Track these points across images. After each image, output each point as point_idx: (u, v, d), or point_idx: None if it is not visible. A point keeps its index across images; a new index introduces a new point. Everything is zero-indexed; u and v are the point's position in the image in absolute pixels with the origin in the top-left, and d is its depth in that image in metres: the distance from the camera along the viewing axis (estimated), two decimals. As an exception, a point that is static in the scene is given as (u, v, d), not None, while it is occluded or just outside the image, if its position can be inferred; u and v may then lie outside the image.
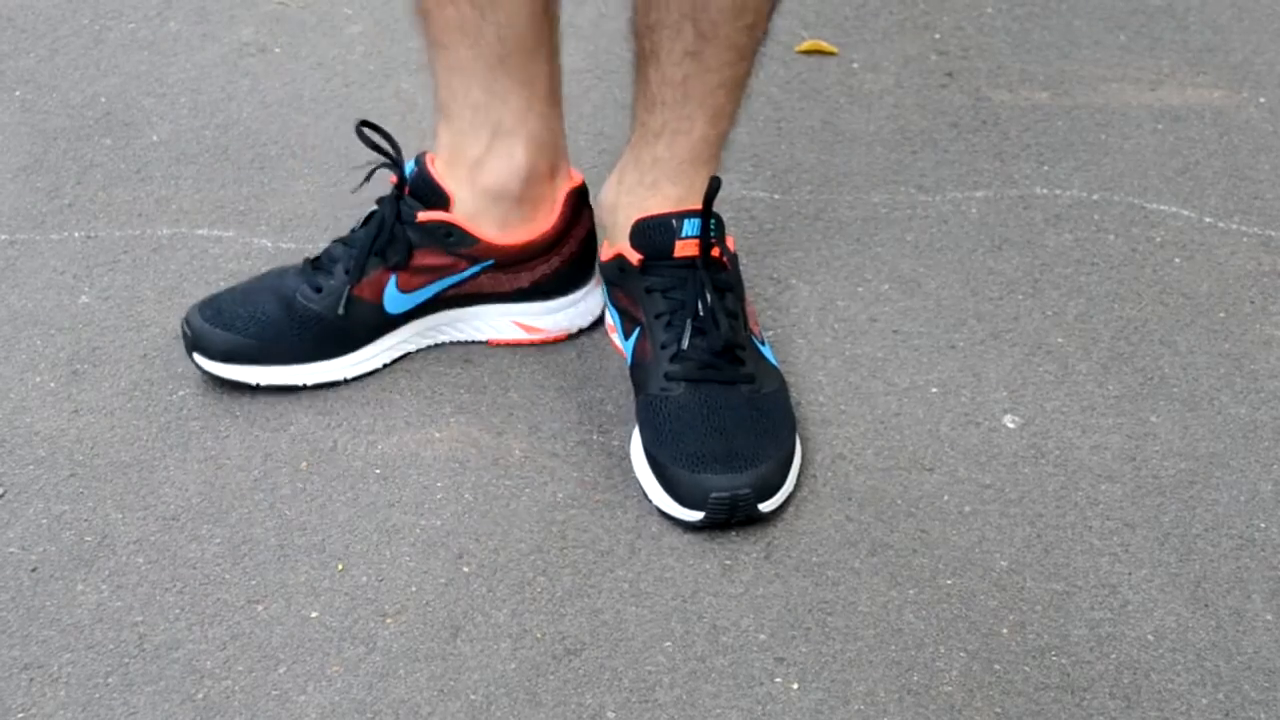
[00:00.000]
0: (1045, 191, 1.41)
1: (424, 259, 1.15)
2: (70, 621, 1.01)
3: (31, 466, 1.12)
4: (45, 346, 1.22)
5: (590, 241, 1.22)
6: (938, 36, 1.63)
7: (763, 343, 1.15)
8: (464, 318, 1.21)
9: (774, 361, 1.14)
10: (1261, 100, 1.53)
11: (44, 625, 1.01)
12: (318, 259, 1.18)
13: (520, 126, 1.14)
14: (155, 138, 1.47)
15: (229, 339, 1.14)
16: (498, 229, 1.16)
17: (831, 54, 1.60)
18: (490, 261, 1.17)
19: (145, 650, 0.99)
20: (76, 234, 1.34)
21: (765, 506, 1.05)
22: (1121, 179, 1.42)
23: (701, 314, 1.09)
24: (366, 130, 1.14)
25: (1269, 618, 1.02)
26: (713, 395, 1.08)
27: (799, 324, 1.25)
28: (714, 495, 1.03)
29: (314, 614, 1.01)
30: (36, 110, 1.50)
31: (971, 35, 1.64)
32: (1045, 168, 1.44)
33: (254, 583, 1.03)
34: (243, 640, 1.00)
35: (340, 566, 1.05)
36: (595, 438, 1.15)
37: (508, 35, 1.10)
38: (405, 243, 1.15)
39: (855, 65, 1.58)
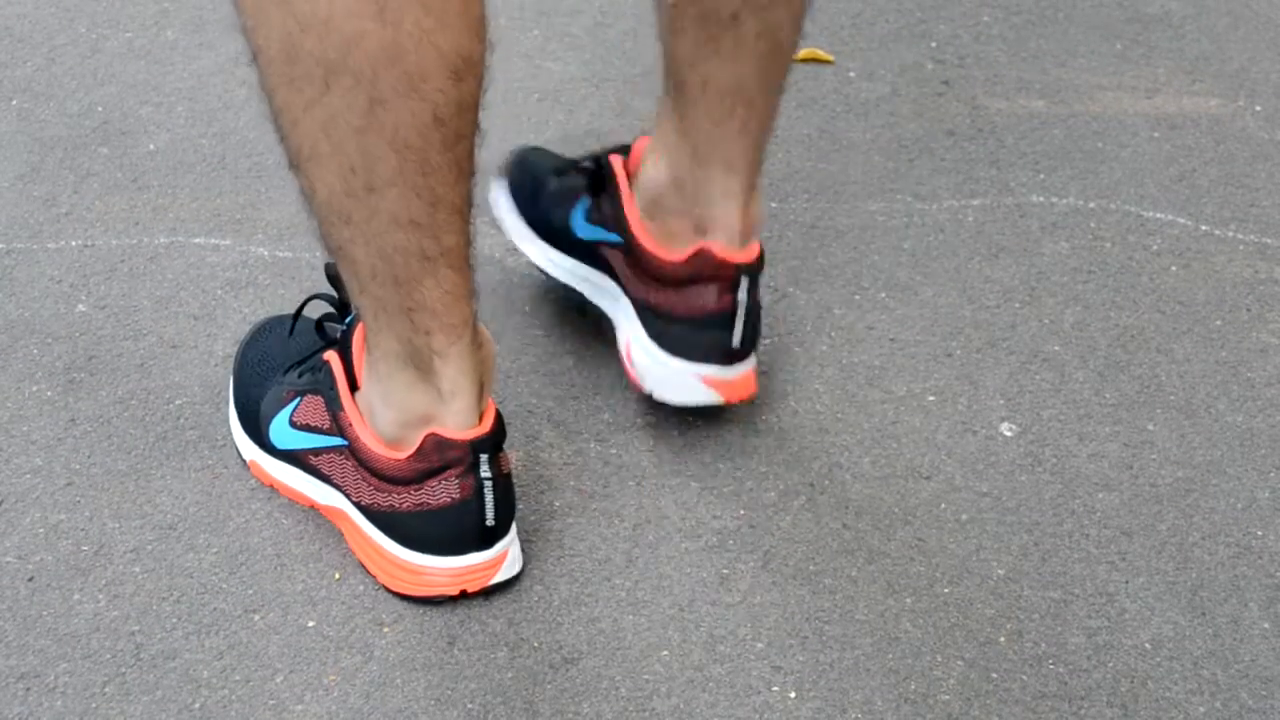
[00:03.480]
0: (1042, 199, 1.41)
1: None
2: (67, 631, 1.01)
3: (28, 475, 1.12)
4: (42, 355, 1.22)
5: None
6: (934, 45, 1.64)
7: None
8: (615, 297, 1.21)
9: None
10: (1257, 108, 1.53)
11: (40, 634, 1.00)
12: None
13: None
14: (152, 146, 1.47)
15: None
16: None
17: (828, 62, 1.60)
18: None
19: (142, 659, 0.99)
20: (73, 243, 1.34)
21: None
22: (1118, 187, 1.42)
23: None
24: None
25: (1266, 626, 1.02)
26: None
27: (795, 332, 1.25)
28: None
29: (311, 623, 1.01)
30: (33, 119, 1.50)
31: (968, 44, 1.64)
32: (1042, 176, 1.44)
33: (251, 592, 1.03)
34: (240, 649, 0.99)
35: (337, 575, 1.05)
36: (593, 446, 1.15)
37: None
38: None
39: (852, 74, 1.58)
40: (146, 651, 0.99)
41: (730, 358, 1.11)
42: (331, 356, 1.05)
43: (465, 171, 0.93)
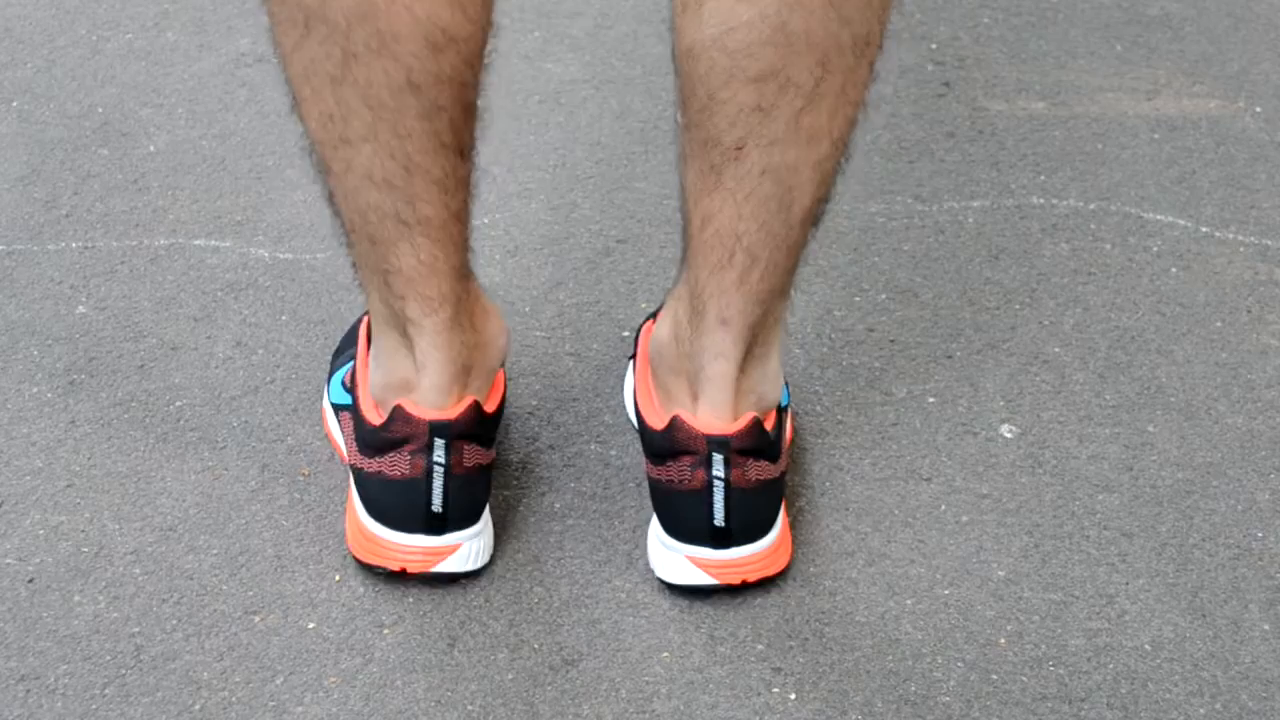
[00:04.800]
0: (1042, 201, 1.41)
1: None
2: (67, 632, 1.01)
3: (28, 477, 1.12)
4: (42, 357, 1.22)
5: None
6: (934, 46, 1.64)
7: None
8: None
9: None
10: (1258, 110, 1.53)
11: (41, 636, 1.00)
12: None
13: None
14: (152, 148, 1.47)
15: None
16: None
17: (828, 64, 1.60)
18: None
19: (142, 661, 0.99)
20: (74, 244, 1.34)
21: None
22: (1118, 188, 1.42)
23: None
24: None
25: (1266, 627, 1.02)
26: None
27: (796, 334, 1.25)
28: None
29: (311, 625, 1.01)
30: (34, 121, 1.50)
31: (968, 45, 1.64)
32: (1042, 177, 1.44)
33: (251, 593, 1.03)
34: (240, 651, 0.99)
35: (337, 577, 1.05)
36: (593, 448, 1.15)
37: None
38: None
39: (852, 75, 1.58)
40: (147, 653, 0.99)
41: (718, 539, 1.00)
42: (366, 319, 1.08)
43: (448, 145, 0.92)
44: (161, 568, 1.05)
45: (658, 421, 1.02)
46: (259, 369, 1.21)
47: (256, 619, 1.02)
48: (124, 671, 0.98)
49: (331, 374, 1.15)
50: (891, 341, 1.25)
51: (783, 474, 1.04)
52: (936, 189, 1.42)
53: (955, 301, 1.29)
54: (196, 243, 1.35)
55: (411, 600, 1.03)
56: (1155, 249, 1.35)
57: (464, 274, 0.99)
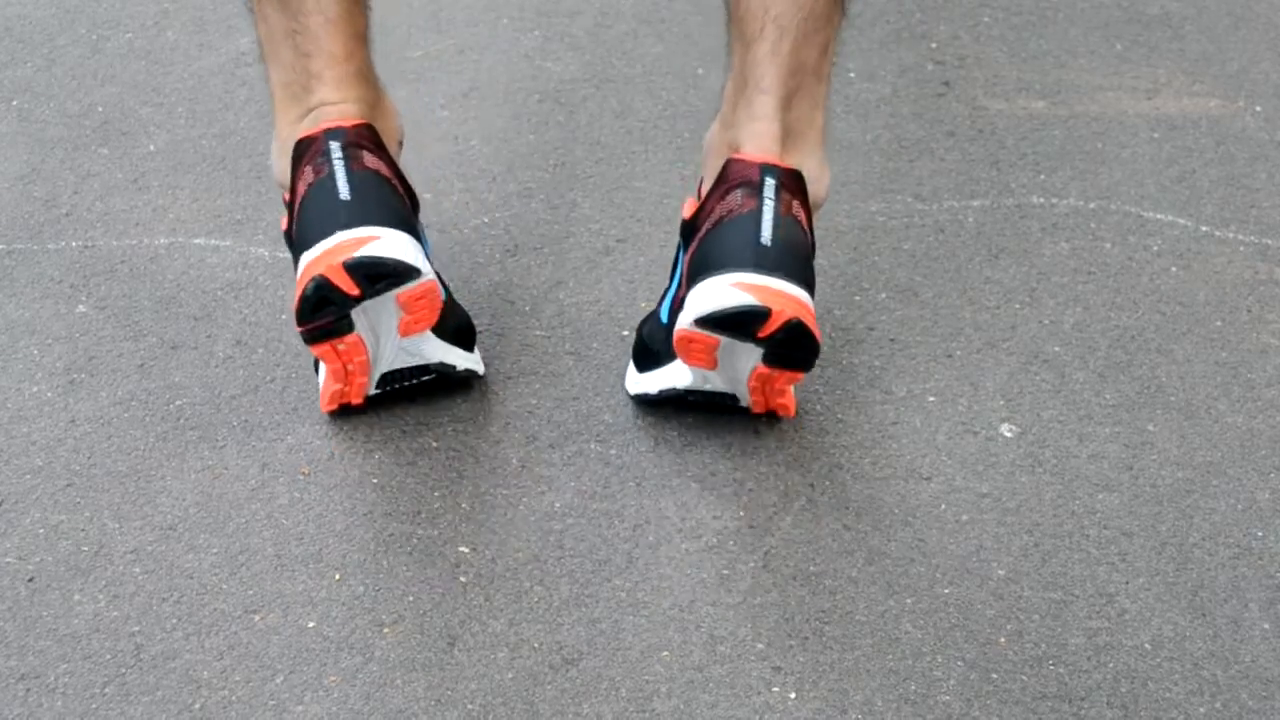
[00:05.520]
0: (1042, 200, 1.41)
1: None
2: (67, 631, 1.01)
3: (28, 476, 1.12)
4: (42, 356, 1.22)
5: None
6: (934, 46, 1.64)
7: None
8: None
9: None
10: (1258, 109, 1.53)
11: (41, 635, 1.00)
12: None
13: None
14: (152, 147, 1.47)
15: None
16: None
17: (828, 63, 1.60)
18: None
19: (142, 660, 0.99)
20: (74, 243, 1.34)
21: None
22: (1118, 188, 1.42)
23: None
24: None
25: (1266, 626, 1.02)
26: None
27: (796, 333, 1.25)
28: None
29: (311, 624, 1.01)
30: (34, 119, 1.50)
31: (968, 44, 1.64)
32: (1042, 177, 1.44)
33: (251, 592, 1.03)
34: (240, 650, 0.99)
35: (337, 576, 1.05)
36: (593, 447, 1.15)
37: None
38: None
39: (852, 74, 1.58)
40: (147, 652, 0.99)
41: (761, 260, 1.02)
42: None
43: None
44: (161, 566, 1.05)
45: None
46: (259, 368, 1.21)
47: (256, 618, 1.02)
48: (124, 670, 0.98)
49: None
50: (892, 340, 1.25)
51: (813, 264, 1.06)
52: (936, 188, 1.42)
53: (955, 300, 1.29)
54: (196, 242, 1.35)
55: (411, 599, 1.03)
56: (1155, 248, 1.35)
57: (363, 40, 1.10)
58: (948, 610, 1.03)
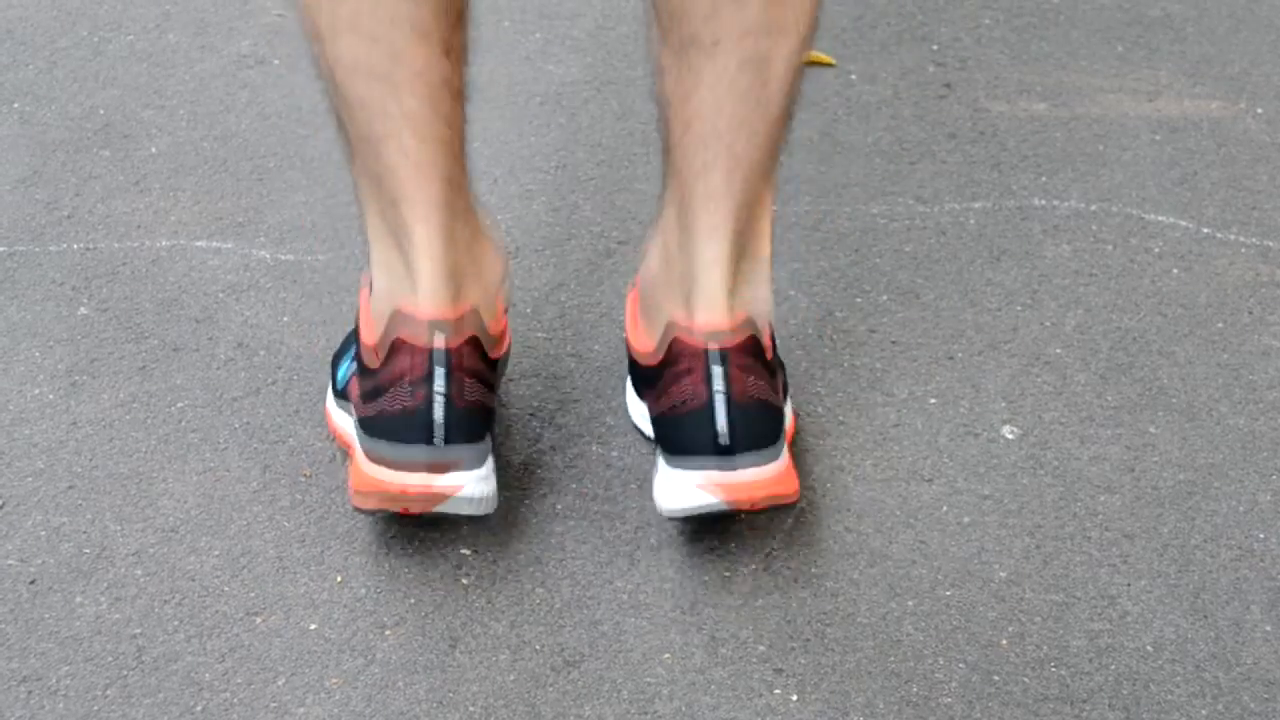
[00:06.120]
0: (1043, 202, 1.41)
1: None
2: (69, 634, 1.01)
3: (30, 478, 1.12)
4: (44, 358, 1.22)
5: None
6: (935, 48, 1.64)
7: None
8: None
9: None
10: (1259, 111, 1.53)
11: (42, 637, 1.00)
12: None
13: None
14: (154, 150, 1.47)
15: None
16: None
17: (829, 65, 1.60)
18: None
19: (144, 662, 0.99)
20: (75, 246, 1.34)
21: None
22: (1119, 190, 1.42)
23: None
24: None
25: (1268, 628, 1.02)
26: None
27: (798, 335, 1.25)
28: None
29: (313, 626, 1.01)
30: (35, 122, 1.50)
31: (969, 46, 1.64)
32: (1043, 179, 1.44)
33: (253, 595, 1.03)
34: (241, 652, 0.99)
35: (339, 578, 1.05)
36: (594, 449, 1.15)
37: None
38: None
39: (853, 76, 1.58)
40: (148, 654, 0.99)
41: (721, 454, 0.99)
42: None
43: (429, 36, 0.95)
44: (163, 569, 1.05)
45: (650, 343, 1.04)
46: (260, 370, 1.21)
47: (258, 620, 1.02)
48: (126, 673, 0.98)
49: (335, 371, 1.14)
50: (893, 342, 1.25)
51: (781, 409, 1.03)
52: (938, 190, 1.42)
53: (957, 303, 1.29)
54: (198, 244, 1.35)
55: (413, 601, 1.03)
56: (1157, 250, 1.35)
57: (456, 185, 1.01)
58: (949, 612, 1.03)
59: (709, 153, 0.98)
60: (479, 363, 1.01)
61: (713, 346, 1.00)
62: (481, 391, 1.01)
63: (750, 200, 1.00)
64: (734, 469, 0.99)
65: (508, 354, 1.08)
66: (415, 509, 1.00)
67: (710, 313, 1.00)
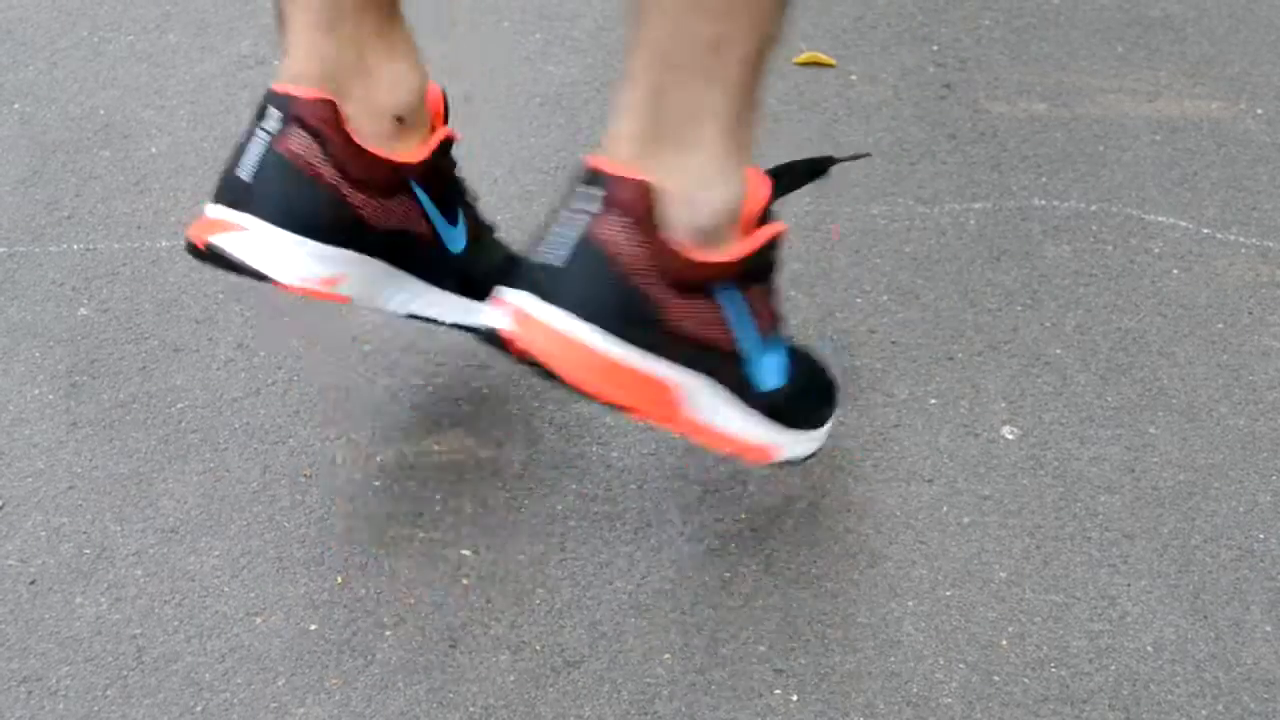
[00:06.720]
0: (1043, 203, 1.41)
1: None
2: (69, 634, 1.01)
3: (30, 479, 1.12)
4: (44, 359, 1.22)
5: None
6: (935, 48, 1.64)
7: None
8: None
9: None
10: (1259, 112, 1.53)
11: (42, 638, 1.01)
12: None
13: None
14: (154, 150, 1.47)
15: None
16: None
17: (829, 66, 1.60)
18: None
19: (144, 663, 0.99)
20: (75, 246, 1.34)
21: None
22: (1119, 190, 1.42)
23: None
24: None
25: (1268, 629, 1.02)
26: None
27: (798, 335, 1.25)
28: None
29: (313, 626, 1.01)
30: (35, 123, 1.50)
31: (969, 47, 1.64)
32: (1043, 179, 1.44)
33: (253, 595, 1.03)
34: (241, 653, 1.00)
35: (339, 579, 1.05)
36: (595, 449, 1.15)
37: None
38: None
39: (853, 77, 1.59)
40: (148, 655, 1.00)
41: (536, 288, 0.90)
42: None
43: None
44: (163, 569, 1.05)
45: None
46: (260, 371, 1.21)
47: (258, 620, 1.02)
48: (126, 673, 0.98)
49: None
50: (893, 343, 1.25)
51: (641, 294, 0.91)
52: (938, 191, 1.42)
53: (957, 303, 1.29)
54: (198, 244, 1.35)
55: (413, 602, 1.03)
56: (1157, 250, 1.35)
57: None
58: (949, 613, 1.03)
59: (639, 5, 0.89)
60: (342, 140, 0.96)
61: (608, 170, 0.89)
62: (332, 173, 0.95)
63: (672, 56, 0.89)
64: (547, 301, 0.90)
65: (459, 185, 1.04)
66: (206, 235, 0.96)
67: (614, 150, 0.91)
